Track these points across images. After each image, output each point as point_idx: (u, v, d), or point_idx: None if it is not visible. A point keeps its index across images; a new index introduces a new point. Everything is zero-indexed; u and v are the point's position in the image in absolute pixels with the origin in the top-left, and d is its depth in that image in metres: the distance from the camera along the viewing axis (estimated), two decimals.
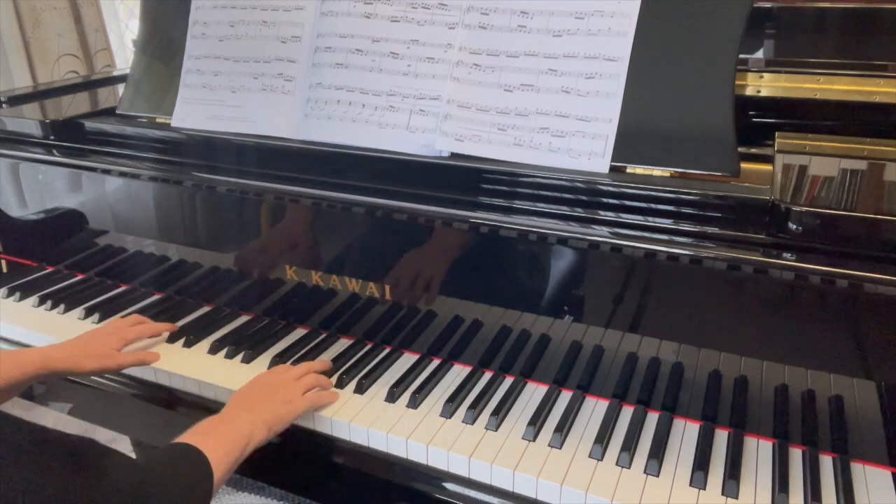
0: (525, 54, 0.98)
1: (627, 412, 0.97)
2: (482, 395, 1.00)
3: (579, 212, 0.93)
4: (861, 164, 0.96)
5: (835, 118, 1.07)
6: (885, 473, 0.85)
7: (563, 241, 0.92)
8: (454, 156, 1.02)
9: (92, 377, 1.15)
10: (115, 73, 1.94)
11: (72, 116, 1.35)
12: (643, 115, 0.92)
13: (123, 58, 2.73)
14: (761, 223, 0.84)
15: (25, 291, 1.33)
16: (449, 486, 0.92)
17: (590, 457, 0.89)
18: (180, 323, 1.22)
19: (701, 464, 0.86)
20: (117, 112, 1.31)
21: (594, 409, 0.98)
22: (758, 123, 1.12)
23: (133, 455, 1.22)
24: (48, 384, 1.22)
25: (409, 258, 1.04)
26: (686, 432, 0.93)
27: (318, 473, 1.03)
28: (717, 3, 0.90)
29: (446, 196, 0.99)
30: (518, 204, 0.96)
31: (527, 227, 0.93)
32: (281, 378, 0.99)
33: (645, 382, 0.96)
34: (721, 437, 0.92)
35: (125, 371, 1.11)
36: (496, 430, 0.94)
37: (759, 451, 0.89)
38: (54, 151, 1.31)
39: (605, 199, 0.93)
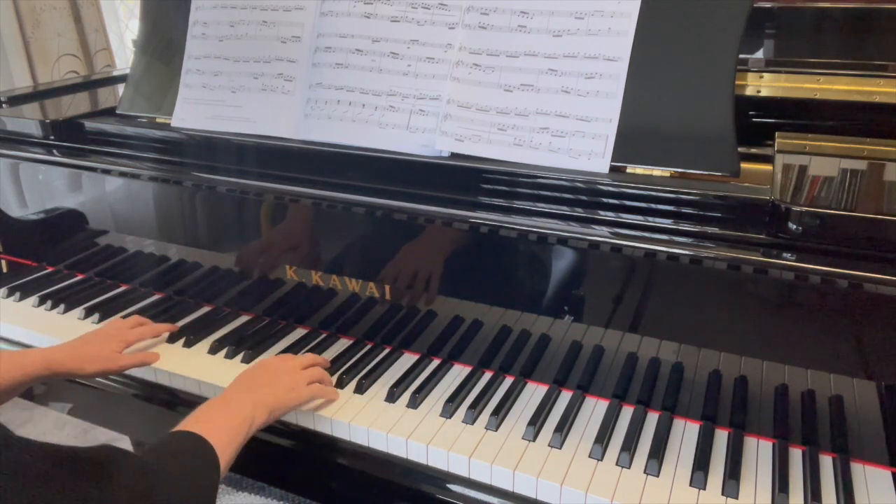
0: (525, 54, 0.98)
1: (627, 412, 0.97)
2: (482, 395, 1.00)
3: (579, 212, 0.93)
4: (861, 164, 0.96)
5: (835, 118, 1.07)
6: (885, 473, 0.85)
7: (563, 241, 0.92)
8: (454, 156, 1.02)
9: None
10: (115, 73, 1.94)
11: (72, 116, 1.35)
12: (643, 115, 0.92)
13: (123, 58, 2.73)
14: (761, 223, 0.84)
15: (25, 291, 1.33)
16: (449, 486, 0.92)
17: (590, 457, 0.89)
18: (180, 323, 1.22)
19: (701, 464, 0.86)
20: (117, 112, 1.31)
21: (594, 409, 0.98)
22: (758, 123, 1.12)
23: None
24: (48, 384, 1.23)
25: (409, 258, 1.04)
26: (686, 432, 0.93)
27: (318, 473, 1.03)
28: (717, 3, 0.90)
29: (446, 196, 0.99)
30: (518, 204, 0.96)
31: (527, 227, 0.93)
32: (286, 365, 0.99)
33: (645, 382, 0.96)
34: (721, 437, 0.92)
35: (125, 371, 1.11)
36: (496, 430, 0.94)
37: (759, 451, 0.89)
38: (54, 151, 1.31)
39: (605, 199, 0.93)
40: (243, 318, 1.23)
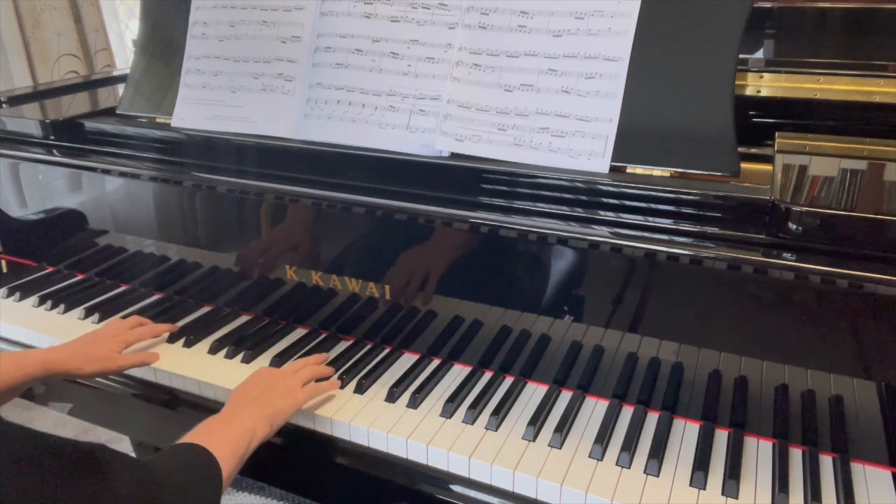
0: (525, 54, 0.98)
1: (627, 412, 0.97)
2: (482, 395, 1.00)
3: (579, 212, 0.93)
4: (861, 164, 0.96)
5: (835, 118, 1.07)
6: (885, 473, 0.85)
7: (563, 241, 0.92)
8: (454, 156, 1.02)
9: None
10: (115, 73, 1.93)
11: (72, 116, 1.35)
12: (643, 115, 0.92)
13: (123, 58, 2.73)
14: (761, 223, 0.84)
15: (25, 291, 1.33)
16: (449, 486, 0.92)
17: (590, 457, 0.89)
18: (180, 323, 1.22)
19: (701, 464, 0.86)
20: (117, 112, 1.31)
21: (594, 409, 0.98)
22: (758, 123, 1.12)
23: (133, 455, 1.22)
24: (48, 384, 1.22)
25: (409, 258, 1.04)
26: (686, 432, 0.93)
27: (318, 473, 1.03)
28: (717, 3, 0.90)
29: (446, 196, 0.99)
30: (518, 204, 0.96)
31: (527, 227, 0.93)
32: (279, 372, 1.00)
33: (645, 382, 0.96)
34: (721, 437, 0.92)
35: (126, 371, 1.11)
36: (496, 430, 0.94)
37: (759, 451, 0.89)
38: (54, 151, 1.31)
39: (605, 199, 0.93)
40: (243, 318, 1.23)
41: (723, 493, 0.83)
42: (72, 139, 1.31)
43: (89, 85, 1.70)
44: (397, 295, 1.07)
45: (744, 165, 0.88)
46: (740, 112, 0.92)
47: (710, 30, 0.90)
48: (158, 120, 1.27)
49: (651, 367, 0.95)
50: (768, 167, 0.94)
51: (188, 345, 1.16)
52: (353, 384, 1.04)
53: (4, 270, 1.47)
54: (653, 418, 0.95)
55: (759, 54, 1.16)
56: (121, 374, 1.13)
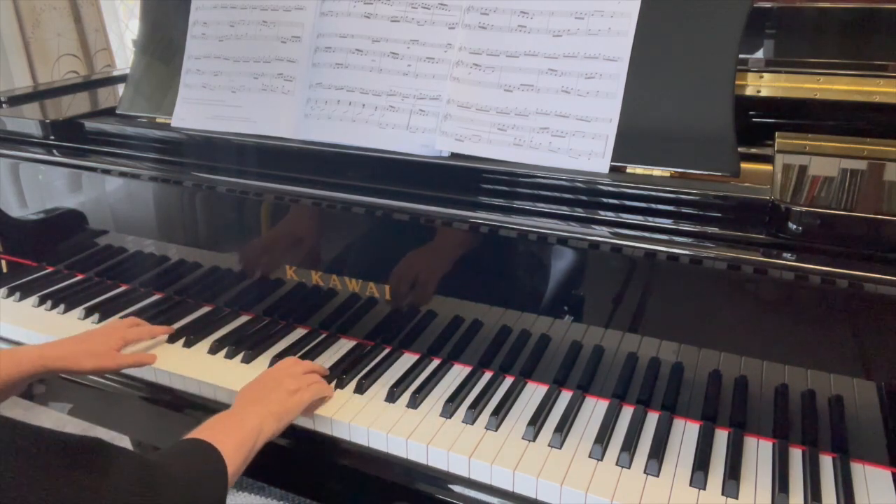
0: (525, 54, 0.98)
1: (627, 412, 0.97)
2: (482, 395, 1.00)
3: (579, 212, 0.93)
4: (861, 164, 0.96)
5: (835, 118, 1.07)
6: (885, 473, 0.85)
7: (563, 241, 0.92)
8: (454, 156, 1.02)
9: (92, 377, 1.14)
10: (115, 73, 1.93)
11: (72, 116, 1.35)
12: (643, 115, 0.92)
13: (123, 58, 2.73)
14: (761, 223, 0.84)
15: (25, 291, 1.33)
16: (449, 486, 0.92)
17: (590, 457, 0.89)
18: (180, 323, 1.22)
19: (701, 464, 0.86)
20: (117, 112, 1.31)
21: (594, 409, 0.98)
22: (758, 123, 1.12)
23: None
24: (48, 384, 1.22)
25: (409, 258, 1.04)
26: (686, 432, 0.93)
27: (318, 473, 1.03)
28: (717, 3, 0.90)
29: (446, 196, 0.99)
30: (518, 204, 0.96)
31: (527, 227, 0.93)
32: (287, 370, 0.99)
33: (645, 382, 0.96)
34: (721, 437, 0.92)
35: (125, 371, 1.11)
36: (496, 430, 0.94)
37: (759, 451, 0.89)
38: (54, 151, 1.31)
39: (605, 199, 0.93)
40: (243, 318, 1.23)
41: (723, 493, 0.83)
42: (72, 139, 1.31)
43: (89, 85, 1.71)
44: (397, 295, 1.07)
45: (744, 165, 0.88)
46: (740, 112, 0.92)
47: (710, 30, 0.90)
48: (158, 120, 1.27)
49: (651, 367, 0.95)
50: (768, 167, 0.94)
51: (188, 345, 1.16)
52: (353, 384, 1.04)
53: (4, 270, 1.47)
54: (653, 418, 0.95)
55: (759, 54, 1.16)
56: (120, 374, 1.13)
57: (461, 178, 1.00)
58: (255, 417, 0.88)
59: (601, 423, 0.94)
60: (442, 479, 0.92)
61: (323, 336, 1.17)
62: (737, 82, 0.90)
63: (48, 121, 1.33)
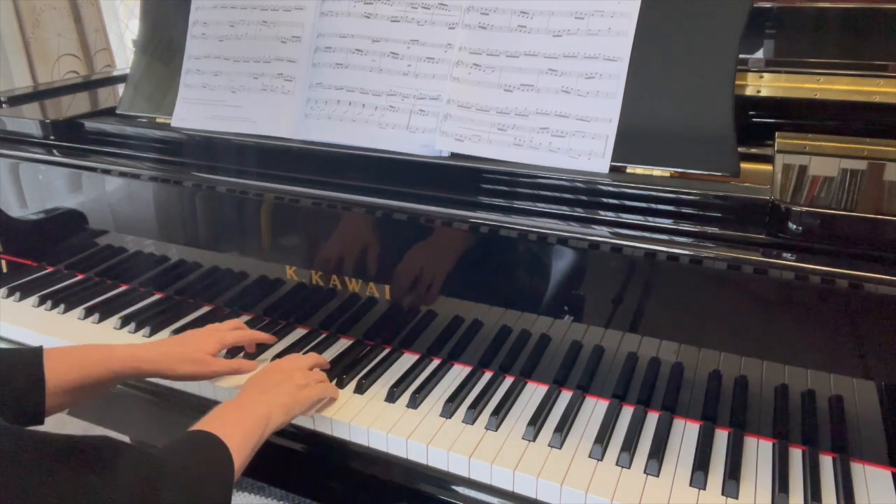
0: (525, 54, 0.98)
1: (627, 412, 0.97)
2: (482, 395, 1.00)
3: (579, 212, 0.93)
4: (861, 164, 0.96)
5: (835, 118, 1.07)
6: (885, 473, 0.85)
7: (563, 241, 0.92)
8: (454, 156, 1.02)
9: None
10: (115, 73, 1.93)
11: (72, 116, 1.35)
12: (643, 115, 0.92)
13: (123, 58, 2.73)
14: (761, 223, 0.84)
15: (25, 291, 1.33)
16: (449, 486, 0.92)
17: (590, 457, 0.89)
18: (180, 323, 1.22)
19: (701, 464, 0.86)
20: (117, 112, 1.31)
21: (594, 409, 0.98)
22: (758, 123, 1.12)
23: None
24: None
25: (409, 258, 1.04)
26: (686, 432, 0.93)
27: (318, 473, 1.03)
28: (717, 3, 0.90)
29: (446, 196, 0.99)
30: (518, 204, 0.96)
31: (527, 227, 0.93)
32: (295, 364, 0.99)
33: (645, 382, 0.96)
34: (721, 437, 0.92)
35: (210, 378, 1.05)
36: (496, 430, 0.94)
37: (759, 451, 0.89)
38: (54, 151, 1.31)
39: (605, 199, 0.93)
40: (243, 318, 1.23)
41: (723, 493, 0.83)
42: (72, 139, 1.31)
43: (89, 85, 1.70)
44: (397, 295, 1.07)
45: (744, 165, 0.88)
46: (740, 112, 0.92)
47: (709, 30, 0.90)
48: (158, 120, 1.27)
49: (651, 367, 0.95)
50: (768, 167, 0.94)
51: None
52: (353, 384, 1.04)
53: (4, 270, 1.47)
54: (653, 418, 0.95)
55: (759, 54, 1.16)
56: None
57: (461, 178, 1.00)
58: (264, 407, 0.87)
59: (601, 423, 0.94)
60: (442, 479, 0.92)
61: (323, 336, 1.17)
62: (737, 82, 0.90)
63: (48, 121, 1.33)
